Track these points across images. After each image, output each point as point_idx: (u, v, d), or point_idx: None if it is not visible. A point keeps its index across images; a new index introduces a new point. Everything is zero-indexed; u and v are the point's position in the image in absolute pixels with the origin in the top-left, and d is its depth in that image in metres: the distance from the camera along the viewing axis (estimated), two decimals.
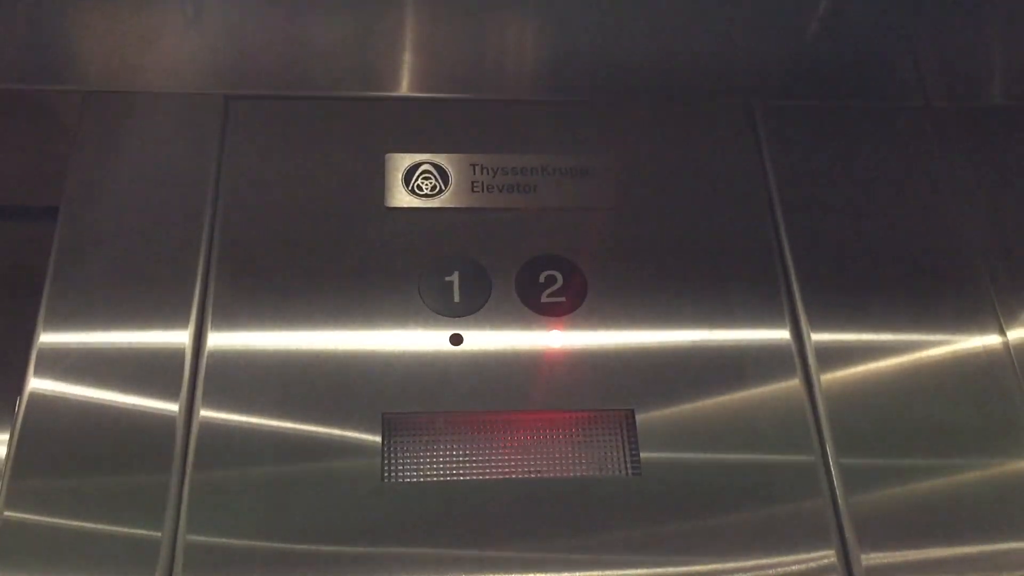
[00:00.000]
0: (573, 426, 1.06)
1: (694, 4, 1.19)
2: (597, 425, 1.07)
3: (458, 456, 1.04)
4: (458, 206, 1.17)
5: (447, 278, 1.13)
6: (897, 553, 1.00)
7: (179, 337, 1.06)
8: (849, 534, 1.01)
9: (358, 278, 1.11)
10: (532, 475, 1.03)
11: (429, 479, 1.02)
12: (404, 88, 1.24)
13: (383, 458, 1.02)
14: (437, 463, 1.04)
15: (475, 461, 1.04)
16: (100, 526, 0.96)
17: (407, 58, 1.23)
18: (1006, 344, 1.13)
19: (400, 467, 1.03)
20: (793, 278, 1.14)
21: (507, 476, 1.03)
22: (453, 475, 1.03)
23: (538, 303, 1.12)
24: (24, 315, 1.07)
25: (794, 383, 1.08)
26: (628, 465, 1.04)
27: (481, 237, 1.15)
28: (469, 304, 1.11)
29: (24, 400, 1.02)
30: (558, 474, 1.03)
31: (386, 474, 1.01)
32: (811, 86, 1.28)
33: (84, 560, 0.95)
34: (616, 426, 1.06)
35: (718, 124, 1.25)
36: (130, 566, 0.95)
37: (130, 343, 1.05)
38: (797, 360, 1.10)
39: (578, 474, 1.03)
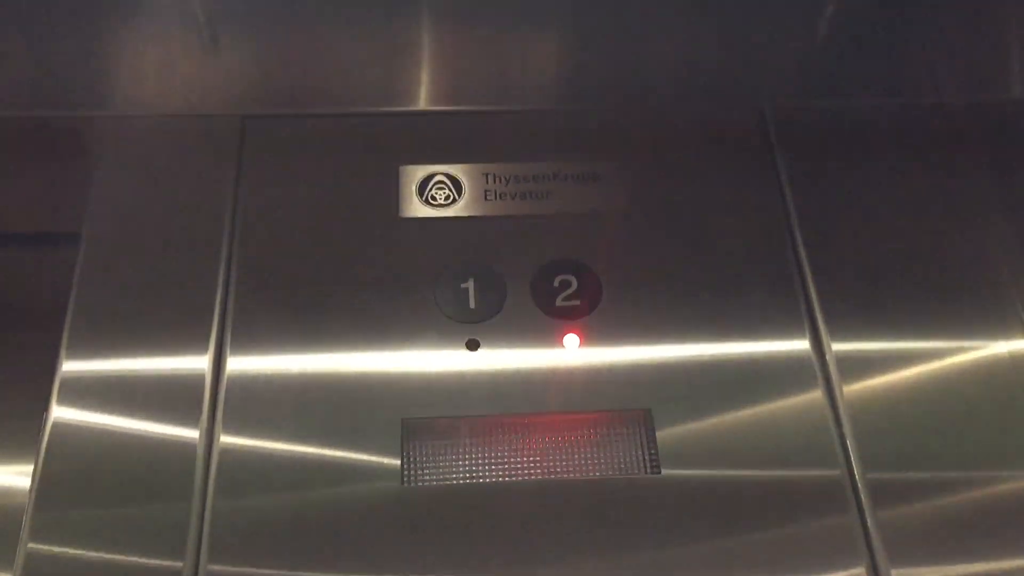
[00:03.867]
0: (590, 427, 1.01)
1: (703, 9, 1.15)
2: (614, 425, 1.01)
3: (477, 459, 0.99)
4: (472, 215, 1.12)
5: (463, 285, 1.07)
6: (928, 569, 0.92)
7: (199, 362, 1.00)
8: (879, 550, 0.93)
9: (375, 289, 1.06)
10: (551, 476, 0.97)
11: (449, 483, 0.97)
12: (420, 103, 1.19)
13: (403, 463, 0.96)
14: (456, 467, 0.98)
15: (494, 464, 0.99)
16: (122, 557, 0.90)
17: (423, 74, 1.19)
18: None
19: (420, 471, 0.97)
20: (811, 285, 1.07)
21: (526, 478, 0.97)
22: (473, 478, 0.98)
23: (553, 307, 1.06)
24: (46, 342, 1.01)
25: (816, 395, 1.01)
26: (648, 464, 0.98)
27: (495, 244, 1.10)
28: (485, 310, 1.06)
29: (47, 429, 0.96)
30: (577, 475, 0.98)
31: (406, 478, 0.96)
32: (822, 86, 1.22)
33: None
34: (634, 426, 1.00)
35: (729, 127, 1.18)
36: None
37: (150, 370, 1.00)
38: (818, 371, 1.02)
39: (598, 475, 0.98)
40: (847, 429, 0.99)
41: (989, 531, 0.94)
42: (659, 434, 0.98)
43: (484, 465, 0.98)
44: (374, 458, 0.96)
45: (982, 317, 1.06)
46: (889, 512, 0.95)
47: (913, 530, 0.94)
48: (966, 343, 1.05)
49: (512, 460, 0.99)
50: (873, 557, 0.93)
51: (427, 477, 0.97)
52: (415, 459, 0.98)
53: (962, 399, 1.01)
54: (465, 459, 0.99)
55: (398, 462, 0.96)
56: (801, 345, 1.04)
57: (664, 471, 0.97)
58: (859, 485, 0.96)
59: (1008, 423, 1.00)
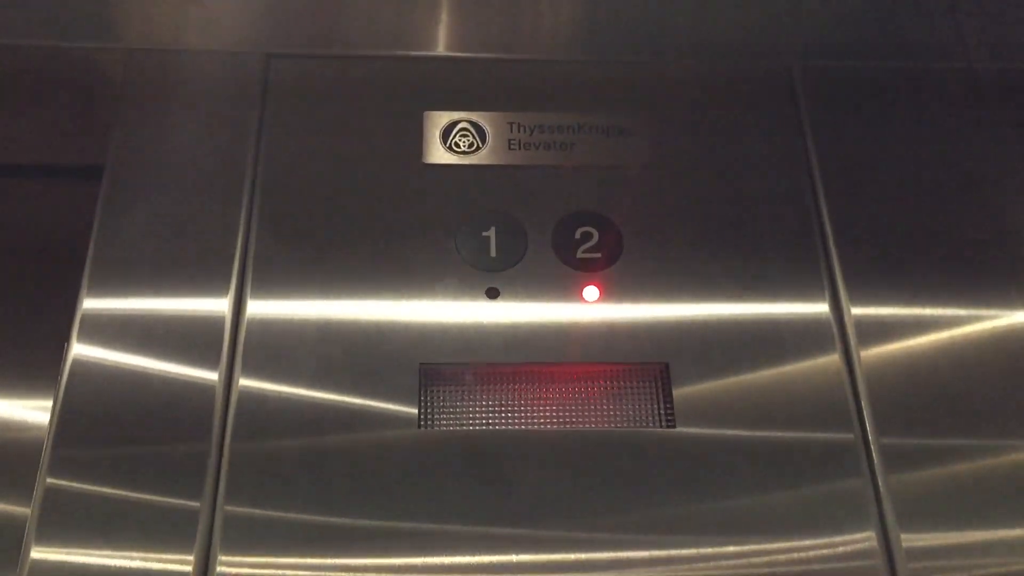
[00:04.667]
0: (607, 379, 1.02)
1: None
2: (631, 378, 1.02)
3: (494, 407, 1.00)
4: (495, 163, 1.12)
5: (484, 233, 1.08)
6: (939, 535, 0.93)
7: (219, 304, 1.01)
8: (889, 515, 0.94)
9: (396, 234, 1.07)
10: (566, 426, 0.99)
11: (465, 428, 0.98)
12: (442, 47, 1.19)
13: (420, 408, 0.97)
14: (473, 413, 1.00)
15: (510, 412, 1.00)
16: (140, 495, 0.91)
17: (444, 18, 1.18)
18: None
19: (437, 417, 0.98)
20: (832, 247, 1.07)
21: (541, 427, 0.99)
22: (489, 425, 0.99)
23: (574, 259, 1.07)
24: (68, 278, 1.02)
25: (833, 358, 1.01)
26: (663, 418, 0.99)
27: (518, 193, 1.10)
28: (505, 259, 1.06)
29: (67, 366, 0.97)
30: (593, 426, 0.99)
31: (423, 422, 0.97)
32: (850, 48, 1.20)
33: (124, 528, 0.90)
34: (651, 379, 1.01)
35: (756, 86, 1.18)
36: (169, 535, 0.90)
37: (171, 310, 1.00)
38: (836, 334, 1.03)
39: (613, 427, 0.98)
40: (863, 393, 0.99)
41: (1000, 499, 0.95)
42: (675, 390, 0.99)
43: (500, 413, 0.99)
44: (391, 404, 0.97)
45: (1001, 286, 1.06)
46: (901, 477, 0.95)
47: (924, 496, 0.95)
48: (984, 311, 1.05)
49: (528, 409, 1.00)
50: (883, 521, 0.93)
51: (443, 422, 0.98)
52: (432, 404, 0.99)
53: (978, 367, 1.01)
54: (481, 406, 1.00)
55: (415, 409, 0.97)
56: (820, 308, 1.04)
57: (679, 427, 0.97)
58: (872, 449, 0.97)
59: (1023, 392, 1.01)
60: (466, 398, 1.00)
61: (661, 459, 0.96)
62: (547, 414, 1.00)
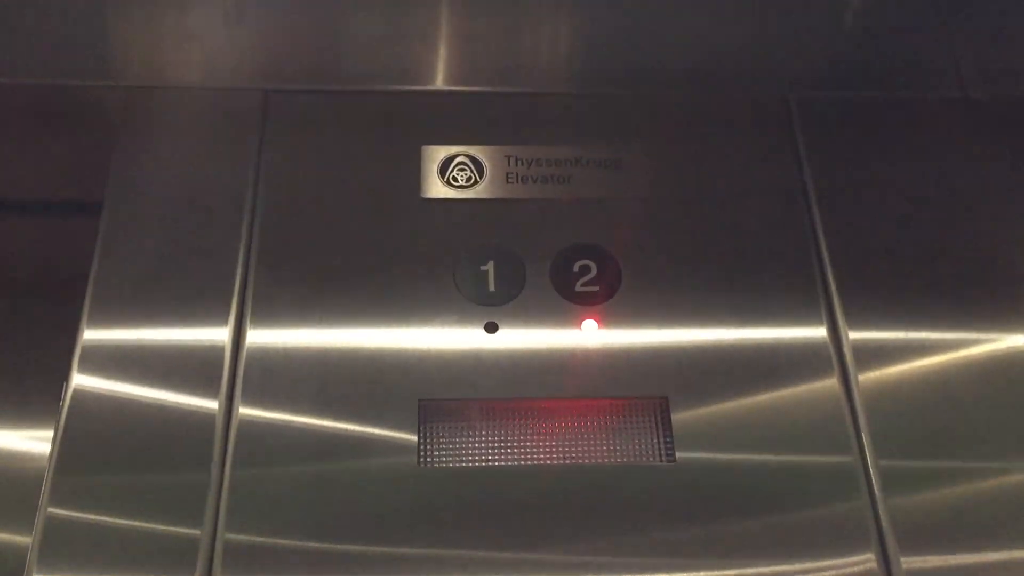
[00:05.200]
0: (607, 413, 1.02)
1: None
2: (631, 413, 1.02)
3: (493, 442, 1.00)
4: (493, 197, 1.13)
5: (482, 267, 1.08)
6: (939, 557, 0.94)
7: (219, 334, 1.02)
8: (889, 538, 0.94)
9: (394, 268, 1.07)
10: (566, 462, 0.99)
11: (465, 465, 0.98)
12: (439, 82, 1.20)
13: (419, 444, 0.98)
14: (473, 449, 1.00)
15: (510, 447, 1.00)
16: (141, 524, 0.92)
17: (442, 52, 1.19)
18: None
19: (436, 453, 0.99)
20: (830, 274, 1.08)
21: (542, 462, 0.99)
22: (489, 461, 0.99)
23: (572, 292, 1.07)
24: (67, 310, 1.03)
25: (831, 382, 1.02)
26: (663, 453, 0.99)
27: (516, 227, 1.11)
28: (504, 293, 1.07)
29: (68, 397, 0.97)
30: (593, 461, 0.99)
31: (422, 460, 0.97)
32: (846, 78, 1.22)
33: (124, 557, 0.90)
34: (650, 414, 1.01)
35: (753, 116, 1.19)
36: (170, 564, 0.90)
37: (171, 340, 1.01)
38: (834, 358, 1.03)
39: (613, 461, 0.99)
40: (861, 416, 1.00)
41: (999, 522, 0.95)
42: (675, 420, 0.99)
43: (500, 448, 1.00)
44: (391, 434, 0.98)
45: (999, 310, 1.07)
46: (900, 500, 0.96)
47: (924, 518, 0.95)
48: (982, 335, 1.05)
49: (528, 444, 1.00)
50: (883, 544, 0.94)
51: (443, 458, 0.98)
52: (431, 440, 0.99)
53: (976, 390, 1.02)
54: (481, 441, 1.00)
55: (415, 438, 0.97)
56: (818, 333, 1.05)
57: (678, 455, 0.98)
58: (871, 472, 0.97)
59: (1021, 415, 1.01)
60: (465, 433, 1.00)
61: (661, 490, 0.96)
62: (546, 449, 1.00)
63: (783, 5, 1.15)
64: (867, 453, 0.98)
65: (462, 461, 0.98)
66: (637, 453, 1.00)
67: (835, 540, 0.94)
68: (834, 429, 1.00)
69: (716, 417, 1.00)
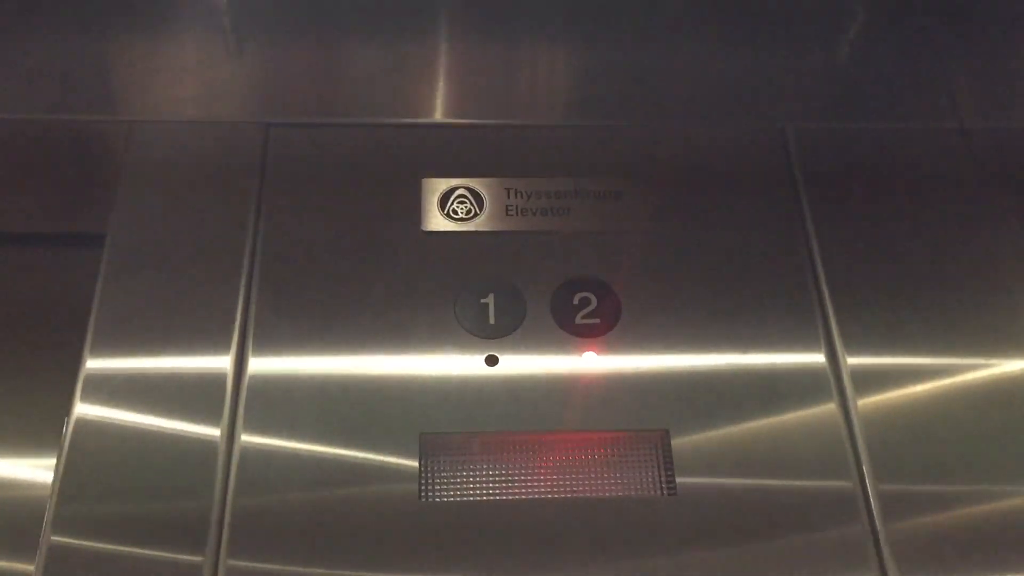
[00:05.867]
0: (608, 446, 1.02)
1: (725, 30, 1.18)
2: (632, 445, 1.02)
3: (495, 476, 1.01)
4: (493, 229, 1.14)
5: (482, 300, 1.09)
6: None
7: (221, 362, 1.02)
8: (889, 563, 0.95)
9: (395, 301, 1.08)
10: (568, 495, 0.99)
11: (466, 499, 0.99)
12: (439, 114, 1.22)
13: (421, 478, 0.98)
14: (474, 483, 1.00)
15: (512, 481, 1.00)
16: (143, 551, 0.92)
17: (441, 85, 1.21)
18: None
19: (437, 487, 0.99)
20: (828, 301, 1.09)
21: (543, 496, 0.99)
22: (490, 495, 0.99)
23: (572, 324, 1.08)
24: (70, 340, 1.04)
25: (830, 407, 1.03)
26: (664, 486, 1.00)
27: (516, 260, 1.12)
28: (504, 326, 1.07)
29: (70, 426, 0.98)
30: (594, 494, 0.99)
31: (424, 494, 0.98)
32: (843, 109, 1.24)
33: None
34: (651, 447, 1.02)
35: (750, 147, 1.20)
36: None
37: (173, 368, 1.02)
38: (833, 384, 1.04)
39: (614, 494, 0.99)
40: (860, 442, 1.01)
41: (999, 546, 0.96)
42: (675, 449, 1.00)
43: (501, 482, 1.00)
44: (392, 465, 0.98)
45: (997, 335, 1.08)
46: (900, 524, 0.97)
47: (924, 543, 0.96)
48: (980, 360, 1.07)
49: (529, 478, 1.00)
50: (883, 569, 0.94)
51: (444, 493, 0.99)
52: (432, 474, 0.99)
53: (975, 415, 1.03)
54: (482, 475, 1.00)
55: (415, 467, 0.98)
56: (817, 359, 1.06)
57: (680, 487, 0.99)
58: (871, 497, 0.98)
59: (1021, 439, 1.02)
60: (466, 467, 1.01)
61: (662, 521, 0.97)
62: (547, 483, 1.00)
63: (779, 37, 1.18)
64: (867, 478, 0.99)
65: (463, 495, 0.99)
66: (638, 486, 1.00)
67: (836, 565, 0.95)
68: (833, 454, 1.00)
69: (716, 444, 1.01)
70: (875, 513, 0.97)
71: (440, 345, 1.06)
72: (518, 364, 1.05)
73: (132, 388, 1.01)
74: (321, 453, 0.99)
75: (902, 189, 1.18)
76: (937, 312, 1.09)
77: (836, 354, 1.06)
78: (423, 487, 0.98)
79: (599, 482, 1.00)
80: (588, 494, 0.99)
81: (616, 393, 1.04)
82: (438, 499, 0.98)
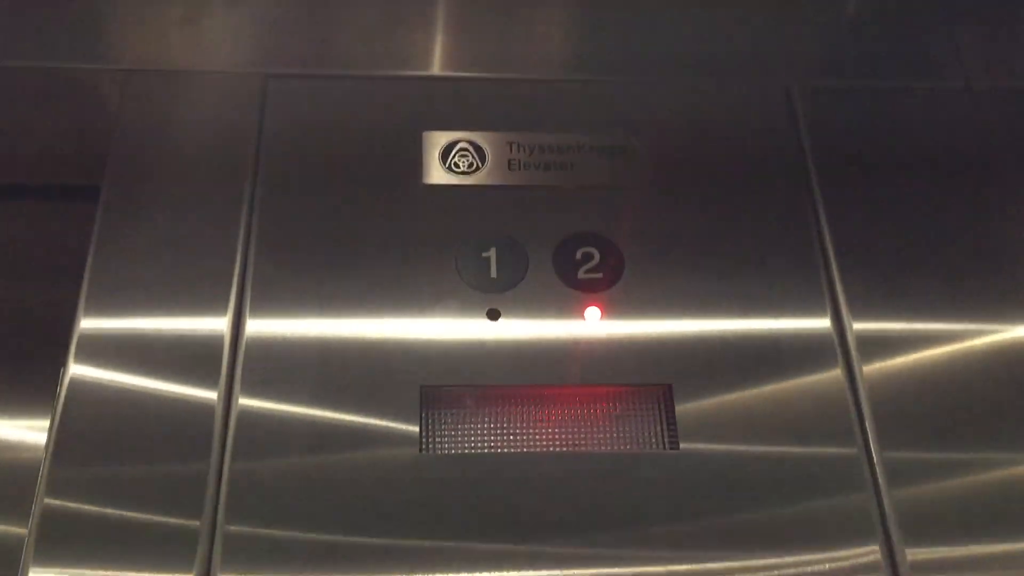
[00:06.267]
0: (610, 400, 1.02)
1: None
2: (634, 400, 1.02)
3: (495, 429, 1.00)
4: (495, 183, 1.13)
5: (484, 254, 1.08)
6: (944, 548, 0.94)
7: (218, 324, 1.01)
8: (894, 529, 0.94)
9: (396, 255, 1.07)
10: (569, 449, 0.99)
11: (467, 452, 0.98)
12: (440, 67, 1.21)
13: (421, 431, 0.98)
14: (475, 436, 1.00)
15: (513, 435, 1.00)
16: (139, 515, 0.92)
17: (440, 38, 1.20)
18: None
19: (438, 440, 0.99)
20: (833, 264, 1.08)
21: (544, 450, 0.99)
22: (491, 448, 0.99)
23: (575, 279, 1.07)
24: (64, 297, 1.03)
25: (835, 373, 1.02)
26: (666, 441, 0.99)
27: (518, 214, 1.11)
28: (506, 280, 1.07)
29: (64, 386, 0.97)
30: (596, 449, 0.99)
31: (424, 447, 0.97)
32: (849, 67, 1.23)
33: (123, 548, 0.90)
34: (654, 401, 1.02)
35: (755, 105, 1.19)
36: (169, 555, 0.90)
37: (169, 329, 1.01)
38: (838, 349, 1.04)
39: (616, 449, 0.99)
40: (865, 408, 1.00)
41: (1005, 512, 0.96)
42: (679, 409, 0.99)
43: (502, 435, 1.00)
44: (392, 424, 0.98)
45: (1003, 300, 1.07)
46: (905, 491, 0.96)
47: (928, 510, 0.96)
48: (987, 326, 1.06)
49: (530, 431, 1.00)
50: (888, 536, 0.94)
51: (445, 446, 0.98)
52: (433, 427, 0.99)
53: (981, 381, 1.02)
54: (483, 429, 1.00)
55: (416, 428, 0.97)
56: (822, 323, 1.05)
57: (683, 446, 0.98)
58: (876, 463, 0.98)
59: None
60: (467, 420, 1.00)
61: (664, 478, 0.97)
62: (549, 436, 1.00)
63: None
64: (871, 444, 0.99)
65: (464, 448, 0.99)
66: (641, 441, 1.00)
67: (839, 531, 0.94)
68: (838, 420, 1.00)
69: (719, 407, 1.00)
70: (880, 480, 0.97)
71: (441, 299, 1.05)
72: (520, 318, 1.05)
73: (127, 349, 0.99)
74: (320, 414, 0.98)
75: (908, 149, 1.17)
76: (944, 276, 1.09)
77: (842, 318, 1.05)
78: (424, 440, 0.97)
79: (601, 437, 1.00)
80: (590, 449, 0.99)
81: (618, 348, 1.03)
82: (438, 452, 0.98)
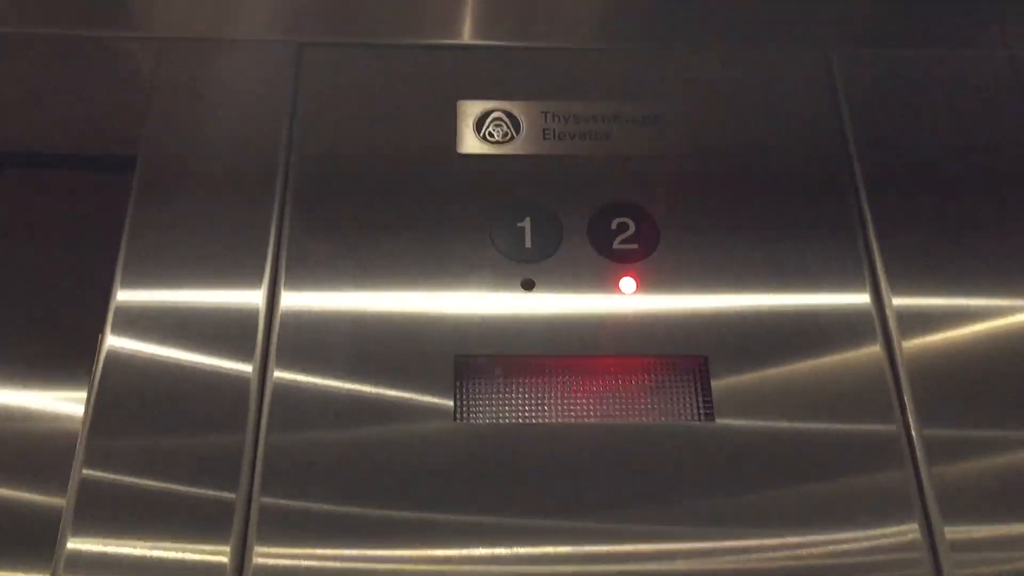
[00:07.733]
0: (645, 371, 1.01)
1: None
2: (670, 371, 1.01)
3: (529, 400, 1.00)
4: (529, 153, 1.12)
5: (519, 224, 1.07)
6: (983, 527, 0.93)
7: (253, 296, 1.01)
8: (932, 507, 0.93)
9: (430, 225, 1.07)
10: (604, 420, 0.98)
11: (501, 421, 0.98)
12: (474, 36, 1.19)
13: (456, 400, 0.97)
14: (509, 407, 0.99)
15: (547, 405, 0.99)
16: (175, 487, 0.92)
17: (478, 5, 1.19)
18: None
19: (473, 410, 0.98)
20: (873, 238, 1.07)
21: (578, 420, 0.98)
22: (525, 419, 0.98)
23: (610, 249, 1.06)
24: (102, 268, 1.03)
25: (874, 349, 1.01)
26: (701, 412, 0.99)
27: (553, 184, 1.10)
28: (541, 250, 1.06)
29: (101, 358, 0.97)
30: (630, 419, 0.98)
31: (459, 415, 0.97)
32: (890, 35, 1.21)
33: (160, 520, 0.90)
34: (689, 372, 1.01)
35: (794, 74, 1.18)
36: (205, 527, 0.90)
37: (205, 301, 1.01)
38: (878, 325, 1.02)
39: (651, 420, 0.98)
40: (905, 384, 0.99)
41: None
42: (714, 382, 0.99)
43: (536, 406, 0.99)
44: (427, 396, 0.97)
45: None
46: (945, 469, 0.95)
47: (968, 488, 0.94)
48: None
49: (564, 402, 0.99)
50: (927, 513, 0.93)
51: (479, 415, 0.98)
52: (467, 397, 0.99)
53: (1021, 357, 1.01)
54: (517, 399, 0.99)
55: (450, 401, 0.97)
56: (862, 298, 1.03)
57: (718, 419, 0.97)
58: (915, 441, 0.96)
59: None
60: (502, 390, 1.00)
61: (700, 452, 0.96)
62: (584, 407, 0.99)
63: None
64: (911, 421, 0.97)
65: (498, 418, 0.98)
66: (676, 412, 0.99)
67: (878, 509, 0.93)
68: (877, 397, 0.98)
69: (756, 381, 0.99)
70: (919, 458, 0.96)
71: (475, 269, 1.04)
72: (555, 289, 1.04)
73: (163, 320, 0.99)
74: (355, 387, 0.97)
75: (950, 120, 1.16)
76: (985, 251, 1.07)
77: (881, 294, 1.04)
78: (458, 410, 0.97)
79: (636, 407, 0.99)
80: (624, 419, 0.98)
81: (654, 319, 1.03)
82: (473, 422, 0.97)
